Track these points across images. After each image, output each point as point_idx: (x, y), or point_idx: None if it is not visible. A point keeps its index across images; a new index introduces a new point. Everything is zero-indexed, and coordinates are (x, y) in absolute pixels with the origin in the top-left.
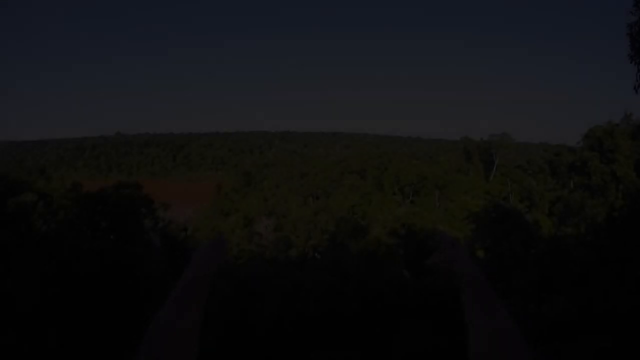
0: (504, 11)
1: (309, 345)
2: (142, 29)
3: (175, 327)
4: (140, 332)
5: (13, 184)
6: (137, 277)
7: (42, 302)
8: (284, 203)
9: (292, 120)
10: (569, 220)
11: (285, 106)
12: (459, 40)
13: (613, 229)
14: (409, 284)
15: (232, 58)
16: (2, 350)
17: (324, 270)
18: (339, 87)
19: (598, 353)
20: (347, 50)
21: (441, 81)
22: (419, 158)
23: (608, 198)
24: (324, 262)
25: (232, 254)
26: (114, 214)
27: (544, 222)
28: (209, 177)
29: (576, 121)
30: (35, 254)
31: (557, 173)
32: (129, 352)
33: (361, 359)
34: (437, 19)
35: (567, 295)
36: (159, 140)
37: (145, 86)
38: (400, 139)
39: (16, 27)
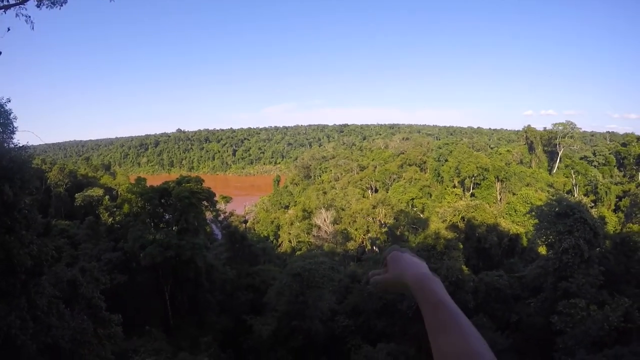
0: None
1: (363, 338)
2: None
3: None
4: (198, 316)
5: (81, 179)
6: (198, 267)
7: (108, 289)
8: (342, 196)
9: (350, 113)
10: (636, 216)
11: (342, 98)
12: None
13: None
14: (468, 279)
15: (289, 49)
16: (69, 333)
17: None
18: (396, 78)
19: None
20: (401, 39)
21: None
22: (479, 149)
23: None
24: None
25: (292, 246)
26: (176, 207)
27: (609, 217)
28: (268, 170)
29: None
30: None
31: (625, 165)
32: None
33: (416, 353)
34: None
35: (631, 297)
36: (219, 136)
37: (203, 82)
38: (460, 129)
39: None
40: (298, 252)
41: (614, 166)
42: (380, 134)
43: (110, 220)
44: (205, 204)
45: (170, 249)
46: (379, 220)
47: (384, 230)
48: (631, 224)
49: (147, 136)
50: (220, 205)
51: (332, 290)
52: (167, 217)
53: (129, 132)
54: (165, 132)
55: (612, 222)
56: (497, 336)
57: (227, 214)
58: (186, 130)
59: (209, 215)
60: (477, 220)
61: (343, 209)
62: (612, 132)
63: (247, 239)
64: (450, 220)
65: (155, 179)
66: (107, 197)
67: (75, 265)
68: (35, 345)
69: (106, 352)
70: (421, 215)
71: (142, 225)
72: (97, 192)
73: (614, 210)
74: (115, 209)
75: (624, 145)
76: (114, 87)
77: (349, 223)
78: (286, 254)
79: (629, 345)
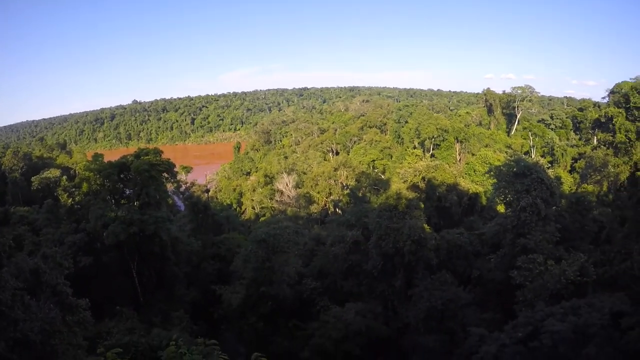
0: None
1: (331, 299)
2: None
3: None
4: (166, 290)
5: (36, 162)
6: (163, 241)
7: (74, 273)
8: (304, 160)
9: (310, 76)
10: (591, 177)
11: (302, 62)
12: None
13: (636, 189)
14: (430, 237)
15: (246, 13)
16: (38, 324)
17: (344, 225)
18: (356, 40)
19: (615, 312)
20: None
21: (460, 29)
22: (439, 111)
23: (632, 157)
24: (345, 218)
25: (255, 212)
26: (136, 181)
27: (565, 178)
28: (228, 137)
29: (602, 76)
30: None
31: (581, 129)
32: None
33: (383, 310)
34: None
35: (586, 253)
36: (177, 105)
37: (158, 51)
38: (420, 91)
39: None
40: (262, 218)
41: (571, 130)
42: (341, 97)
43: (69, 201)
44: (166, 175)
45: (133, 225)
46: (341, 183)
47: (346, 192)
48: (586, 185)
49: (102, 110)
50: (181, 176)
51: (298, 254)
52: (127, 192)
53: (83, 108)
54: (120, 105)
55: (568, 183)
56: (459, 291)
57: (188, 184)
58: (142, 101)
59: (170, 187)
60: (437, 180)
61: (305, 173)
62: (570, 97)
63: (210, 209)
64: (411, 181)
65: (113, 154)
66: (64, 177)
67: (38, 252)
68: (3, 342)
69: (77, 339)
70: (382, 177)
71: (103, 203)
72: (54, 173)
73: (570, 172)
74: (74, 189)
75: (580, 110)
76: (63, 61)
77: (311, 186)
78: (250, 221)
79: (585, 297)
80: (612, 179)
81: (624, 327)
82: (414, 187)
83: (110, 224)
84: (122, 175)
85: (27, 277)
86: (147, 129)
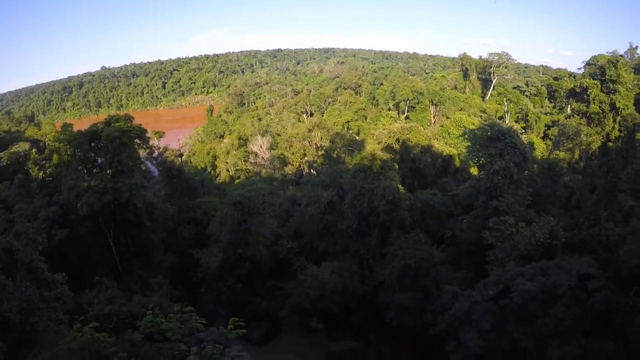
0: None
1: (307, 259)
2: None
3: None
4: (144, 257)
5: (4, 136)
6: (138, 208)
7: (51, 246)
8: (278, 121)
9: (284, 38)
10: (563, 145)
11: (275, 23)
12: None
13: (607, 158)
14: (404, 197)
15: None
16: (16, 304)
17: (319, 186)
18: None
19: (582, 275)
20: None
21: None
22: (414, 74)
23: (604, 128)
24: (320, 179)
25: (230, 175)
26: (108, 149)
27: (538, 144)
28: (200, 100)
29: (579, 47)
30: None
31: (555, 97)
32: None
33: (359, 269)
34: None
35: (556, 217)
36: (147, 69)
37: (125, 14)
38: (396, 54)
39: None
40: (237, 181)
41: (545, 98)
42: (315, 59)
43: (41, 174)
44: (138, 141)
45: (107, 194)
46: (315, 144)
47: (320, 153)
48: (558, 152)
49: (70, 78)
50: (154, 142)
51: (273, 215)
52: (99, 161)
53: (50, 77)
54: (89, 72)
55: (540, 149)
56: (433, 250)
57: (161, 149)
58: (111, 67)
59: (142, 153)
60: (411, 141)
61: (279, 134)
62: (546, 66)
63: (184, 173)
64: (386, 142)
65: (83, 123)
66: (34, 150)
67: (11, 229)
68: None
69: (57, 314)
70: (357, 138)
71: (75, 173)
72: (23, 147)
73: (543, 138)
74: (44, 162)
75: (556, 79)
76: (25, 30)
77: (286, 148)
78: (225, 184)
79: (554, 259)
80: (584, 147)
81: (591, 290)
82: (388, 148)
83: (83, 195)
84: (93, 144)
85: (1, 256)
86: (117, 95)
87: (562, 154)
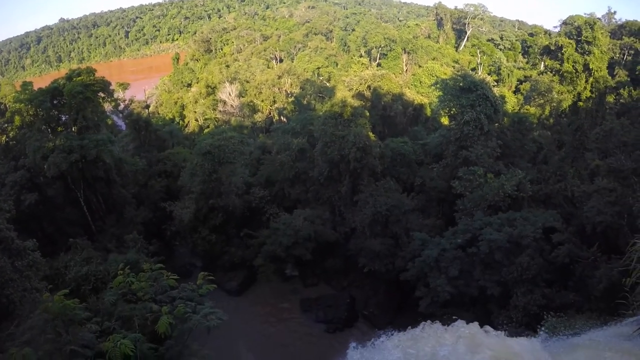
0: None
1: (279, 206)
2: None
3: None
4: (117, 214)
5: None
6: (106, 164)
7: (21, 212)
8: (246, 68)
9: None
10: (534, 100)
11: None
12: None
13: (576, 117)
14: (375, 145)
15: None
16: None
17: (290, 133)
18: None
19: (547, 228)
20: None
21: None
22: (387, 21)
23: (576, 87)
24: (290, 126)
25: (199, 124)
26: (71, 106)
27: (509, 98)
28: (166, 48)
29: (557, 6)
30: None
31: (529, 53)
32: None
33: (330, 215)
34: None
35: (524, 170)
36: (108, 18)
37: None
38: (369, 0)
39: None
40: (206, 130)
41: (519, 53)
42: (285, 2)
43: (3, 138)
44: (102, 95)
45: (74, 152)
46: (285, 90)
47: (290, 100)
48: (529, 107)
49: (27, 34)
50: (119, 94)
51: (244, 163)
52: (63, 118)
53: (6, 34)
54: (47, 25)
55: (512, 103)
56: (403, 197)
57: (127, 101)
58: (70, 18)
59: (107, 107)
60: (383, 89)
61: (248, 82)
62: (522, 21)
63: (152, 125)
64: (357, 89)
65: (44, 80)
66: None
67: None
68: None
69: (32, 282)
70: (327, 84)
71: (39, 134)
72: None
73: (514, 92)
74: (6, 125)
75: (531, 35)
76: None
77: (255, 95)
78: (194, 134)
79: (520, 211)
80: (554, 104)
81: (555, 242)
82: (359, 95)
83: (49, 155)
84: (55, 102)
85: None
86: (78, 48)
87: (532, 110)
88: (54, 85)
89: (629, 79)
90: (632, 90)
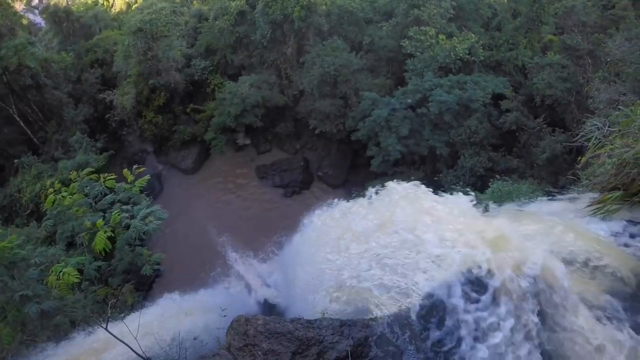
0: None
1: (223, 75)
2: None
3: None
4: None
5: None
6: (32, 69)
7: None
8: None
9: None
10: None
11: None
12: None
13: None
14: (319, 2)
15: None
16: None
17: None
18: None
19: (497, 94)
20: None
21: None
22: None
23: None
24: None
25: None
26: None
27: None
28: None
29: None
30: None
31: None
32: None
33: (277, 79)
34: None
35: (477, 35)
36: None
37: None
38: None
39: None
40: (134, 6)
41: None
42: None
43: None
44: None
45: None
46: None
47: None
48: None
49: None
50: None
51: (180, 35)
52: None
53: None
54: None
55: None
56: (351, 57)
57: None
58: None
59: (19, 6)
60: None
61: None
62: None
63: (73, 13)
64: None
65: None
66: None
67: None
68: None
69: None
70: None
71: None
72: None
73: None
74: None
75: None
76: None
77: None
78: (122, 13)
79: (471, 75)
80: None
81: (503, 109)
82: None
83: None
84: None
85: None
86: None
87: None
88: None
89: None
90: None
